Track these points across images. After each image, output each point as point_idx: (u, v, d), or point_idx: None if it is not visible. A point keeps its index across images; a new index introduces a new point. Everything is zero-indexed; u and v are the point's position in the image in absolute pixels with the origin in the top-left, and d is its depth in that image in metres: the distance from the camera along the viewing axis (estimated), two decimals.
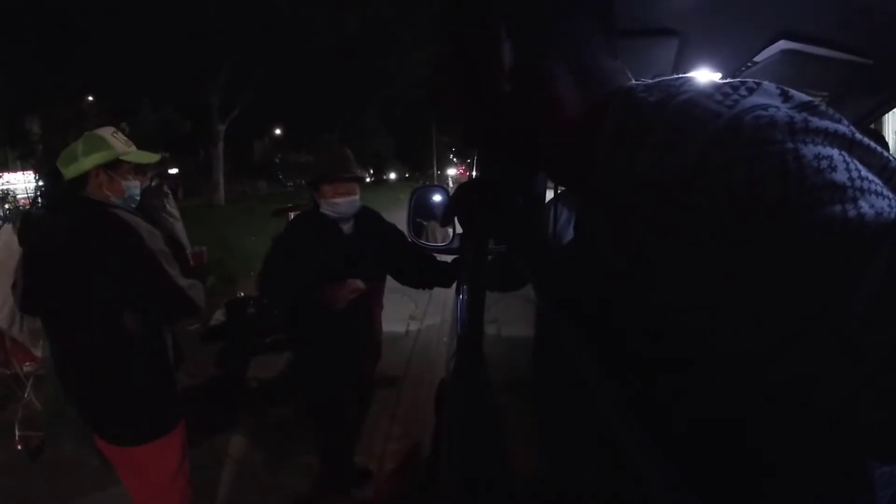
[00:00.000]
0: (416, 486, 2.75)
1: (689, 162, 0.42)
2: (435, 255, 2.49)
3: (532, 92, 0.58)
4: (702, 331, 0.42)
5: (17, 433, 3.22)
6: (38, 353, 3.45)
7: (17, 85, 11.06)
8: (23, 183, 14.94)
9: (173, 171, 20.99)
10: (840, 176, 0.36)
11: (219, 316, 5.27)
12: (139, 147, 2.00)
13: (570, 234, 0.80)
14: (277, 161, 37.32)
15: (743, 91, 0.43)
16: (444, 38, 0.64)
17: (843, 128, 0.40)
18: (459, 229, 0.93)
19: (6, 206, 10.35)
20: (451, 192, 1.32)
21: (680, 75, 0.51)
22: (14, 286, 2.26)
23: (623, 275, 0.51)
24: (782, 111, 0.40)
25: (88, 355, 1.82)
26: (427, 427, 2.69)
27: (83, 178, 1.85)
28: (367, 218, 2.55)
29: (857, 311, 0.32)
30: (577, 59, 0.58)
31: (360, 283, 2.30)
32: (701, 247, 0.40)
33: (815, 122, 0.39)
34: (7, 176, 17.61)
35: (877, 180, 0.37)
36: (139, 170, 2.07)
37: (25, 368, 3.53)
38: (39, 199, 7.83)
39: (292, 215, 4.28)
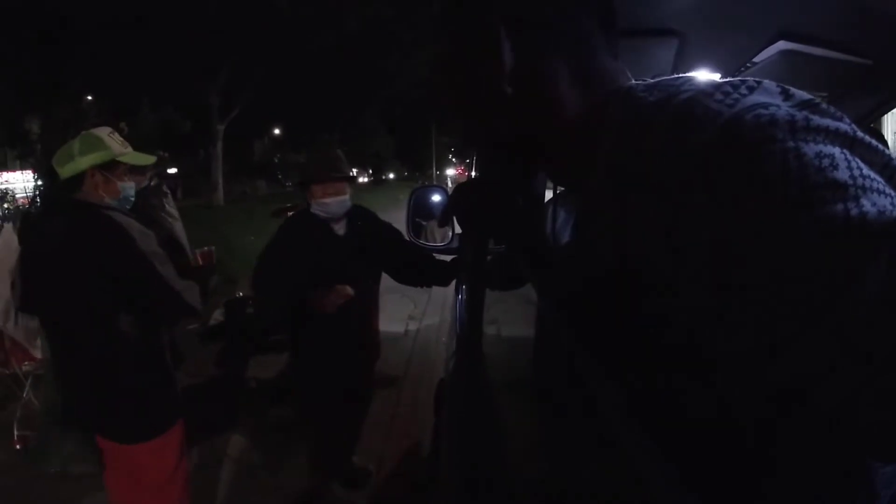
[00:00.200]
0: (416, 485, 2.75)
1: (689, 161, 0.41)
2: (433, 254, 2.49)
3: (532, 92, 0.58)
4: (702, 331, 0.42)
5: (15, 433, 3.21)
6: (37, 353, 3.46)
7: (17, 84, 11.05)
8: (22, 182, 14.93)
9: (172, 170, 21.00)
10: (842, 174, 0.36)
11: (218, 316, 5.27)
12: (138, 147, 2.00)
13: (569, 235, 0.80)
14: (277, 161, 37.31)
15: (743, 90, 0.43)
16: (444, 38, 0.64)
17: (845, 126, 0.40)
18: (458, 229, 0.93)
19: (5, 205, 10.34)
20: (450, 192, 1.32)
21: (680, 75, 0.51)
22: (13, 286, 2.26)
23: (623, 275, 0.50)
24: (783, 109, 0.40)
25: (85, 355, 1.82)
26: (426, 427, 2.69)
27: (79, 178, 1.84)
28: (360, 217, 2.55)
29: (858, 311, 0.32)
30: (578, 59, 0.58)
31: (349, 290, 2.30)
32: (701, 246, 0.40)
33: (817, 120, 0.39)
34: (6, 175, 17.60)
35: (879, 178, 0.37)
36: (138, 169, 2.06)
37: (24, 368, 3.53)
38: (38, 199, 7.82)
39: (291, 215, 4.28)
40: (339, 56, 17.78)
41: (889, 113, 1.50)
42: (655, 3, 1.15)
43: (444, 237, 2.40)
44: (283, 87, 18.99)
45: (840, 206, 0.35)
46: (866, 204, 0.35)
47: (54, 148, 1.89)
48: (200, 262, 4.97)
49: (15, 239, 3.23)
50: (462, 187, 0.89)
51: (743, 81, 0.44)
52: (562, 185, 0.68)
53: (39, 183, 10.12)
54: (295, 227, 2.52)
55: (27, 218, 3.10)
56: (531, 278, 0.81)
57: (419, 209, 2.42)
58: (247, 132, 24.39)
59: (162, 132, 17.54)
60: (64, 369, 1.93)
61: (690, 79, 0.49)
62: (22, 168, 15.55)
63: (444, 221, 1.02)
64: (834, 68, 1.29)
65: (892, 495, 0.44)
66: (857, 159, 0.38)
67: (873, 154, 0.40)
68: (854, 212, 0.34)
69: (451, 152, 55.47)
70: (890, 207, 0.35)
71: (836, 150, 0.38)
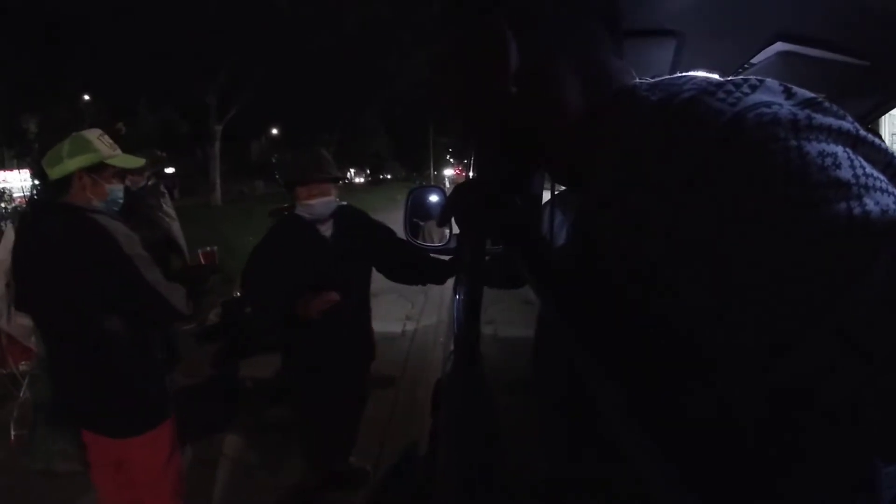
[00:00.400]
0: (413, 486, 2.75)
1: (691, 161, 0.41)
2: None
3: (537, 91, 0.58)
4: (702, 330, 0.42)
5: (12, 432, 3.21)
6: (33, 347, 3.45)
7: (15, 83, 11.04)
8: (19, 181, 14.90)
9: (170, 170, 20.97)
10: (844, 173, 0.36)
11: (215, 316, 5.26)
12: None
13: (568, 234, 0.80)
14: (274, 161, 37.29)
15: (746, 89, 0.42)
16: (447, 37, 0.64)
17: (848, 124, 0.40)
18: (456, 229, 0.93)
19: (2, 204, 10.31)
20: (448, 192, 1.32)
21: (683, 74, 0.51)
22: (8, 285, 2.28)
23: (623, 274, 0.50)
24: (785, 108, 0.40)
25: (75, 352, 1.85)
26: (423, 427, 2.69)
27: (67, 180, 1.87)
28: (348, 217, 2.54)
29: (861, 310, 0.32)
30: (583, 58, 0.58)
31: (333, 295, 2.28)
32: (703, 246, 0.40)
33: (819, 118, 0.39)
34: (3, 174, 17.56)
35: (882, 177, 0.37)
36: (136, 170, 2.07)
37: (21, 367, 3.52)
38: (35, 198, 7.80)
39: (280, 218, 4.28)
40: (338, 56, 17.78)
41: (887, 114, 1.50)
42: (653, 3, 1.15)
43: (441, 237, 2.40)
44: (282, 87, 18.98)
45: (843, 205, 0.34)
46: (869, 203, 0.35)
47: (51, 147, 1.91)
48: (203, 262, 4.95)
49: (13, 238, 3.23)
50: (460, 188, 0.89)
51: (745, 80, 0.43)
52: (563, 184, 0.68)
53: (37, 182, 10.11)
54: (282, 229, 2.52)
55: (25, 218, 3.11)
56: (529, 278, 0.81)
57: (417, 209, 2.41)
58: (244, 132, 24.40)
59: (160, 132, 17.53)
60: (56, 366, 1.97)
61: (693, 78, 0.48)
62: (19, 167, 15.52)
63: (444, 221, 1.02)
64: (832, 70, 1.29)
65: (894, 496, 0.44)
66: (859, 158, 0.38)
67: (876, 153, 0.40)
68: (857, 210, 0.34)
69: (448, 153, 55.52)
70: (893, 206, 0.35)
71: (839, 149, 0.38)
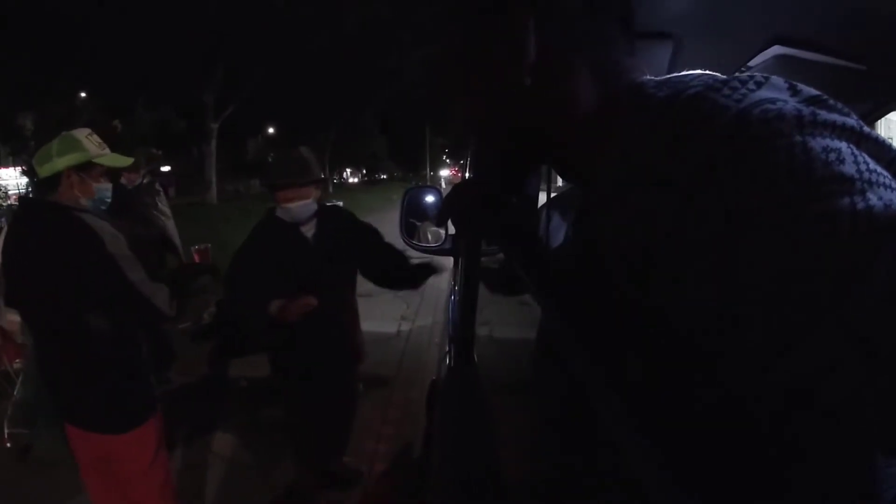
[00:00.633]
0: (407, 487, 2.74)
1: (697, 156, 0.41)
2: (413, 255, 2.48)
3: (551, 84, 0.57)
4: (707, 327, 0.42)
5: (5, 431, 3.19)
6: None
7: (12, 81, 11.01)
8: (14, 179, 14.86)
9: (166, 168, 20.89)
10: (848, 168, 0.36)
11: (209, 315, 5.23)
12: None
13: (566, 234, 0.80)
14: (270, 160, 37.23)
15: (751, 85, 0.43)
16: (459, 27, 0.63)
17: (852, 121, 0.40)
18: (453, 230, 0.93)
19: None
20: (444, 192, 1.32)
21: (690, 71, 0.51)
22: None
23: (626, 272, 0.50)
24: (790, 105, 0.40)
25: (62, 349, 1.88)
26: (418, 428, 2.69)
27: (56, 178, 1.89)
28: (332, 218, 2.52)
29: (865, 305, 0.32)
30: (598, 54, 0.58)
31: (311, 300, 2.26)
32: (708, 242, 0.40)
33: (824, 115, 0.39)
34: (0, 171, 17.51)
35: (885, 173, 0.37)
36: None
37: (15, 365, 3.50)
38: (25, 195, 7.78)
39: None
40: (337, 56, 17.77)
41: (883, 118, 1.50)
42: (649, 5, 1.15)
43: (437, 238, 2.40)
44: (280, 86, 18.96)
45: (846, 200, 0.34)
46: (873, 198, 0.35)
47: None
48: (197, 260, 4.93)
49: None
50: (457, 188, 0.89)
51: (751, 77, 0.44)
52: (568, 180, 0.68)
53: (33, 179, 10.10)
54: (263, 231, 2.48)
55: (14, 215, 3.12)
56: (526, 278, 0.81)
57: (413, 210, 2.41)
58: (241, 131, 24.34)
59: (156, 130, 17.48)
60: (43, 361, 2.00)
61: (700, 75, 0.49)
62: (15, 164, 15.49)
63: (440, 222, 1.02)
64: (828, 74, 1.29)
65: (894, 496, 0.44)
66: (863, 154, 0.38)
67: (880, 149, 0.40)
68: (860, 206, 0.34)
69: (445, 153, 55.55)
70: None
71: (843, 145, 0.38)
